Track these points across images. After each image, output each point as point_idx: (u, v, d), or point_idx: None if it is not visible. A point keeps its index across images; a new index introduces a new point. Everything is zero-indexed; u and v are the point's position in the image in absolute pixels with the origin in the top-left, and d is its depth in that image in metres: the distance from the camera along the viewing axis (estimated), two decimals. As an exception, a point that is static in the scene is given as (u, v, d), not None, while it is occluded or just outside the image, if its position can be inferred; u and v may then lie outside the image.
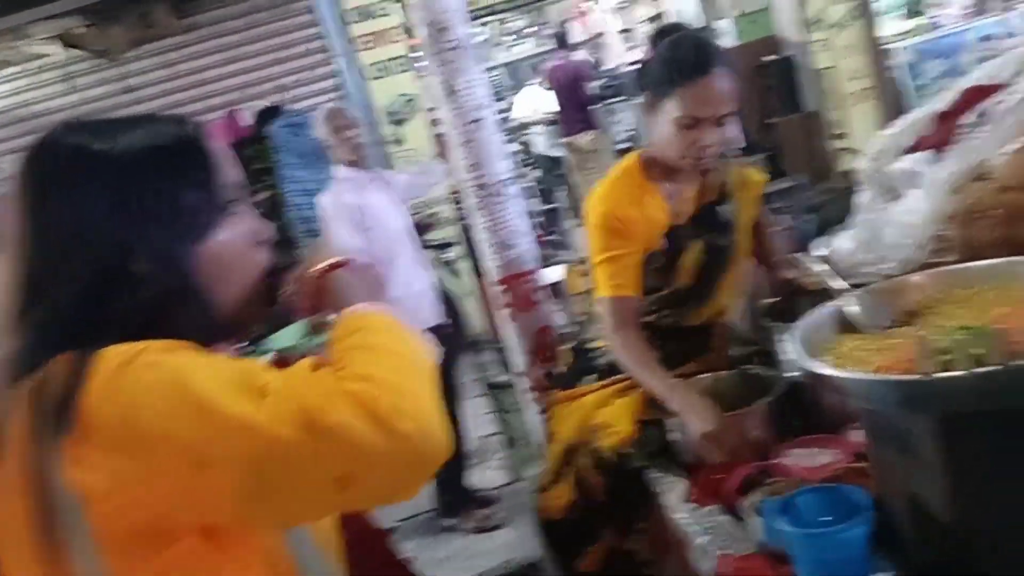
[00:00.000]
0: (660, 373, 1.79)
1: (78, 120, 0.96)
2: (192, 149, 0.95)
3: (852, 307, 1.33)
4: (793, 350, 1.57)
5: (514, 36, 10.91)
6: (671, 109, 1.77)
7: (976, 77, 1.73)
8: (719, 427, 1.60)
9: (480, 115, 2.40)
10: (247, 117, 4.96)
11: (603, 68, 9.27)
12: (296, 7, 5.45)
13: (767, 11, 6.57)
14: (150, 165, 0.92)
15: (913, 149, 1.70)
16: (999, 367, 0.94)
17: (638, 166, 1.91)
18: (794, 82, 6.30)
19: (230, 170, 0.99)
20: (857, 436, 1.53)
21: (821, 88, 6.16)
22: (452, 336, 3.83)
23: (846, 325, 1.34)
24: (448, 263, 5.16)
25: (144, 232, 0.90)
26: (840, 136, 6.05)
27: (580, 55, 8.76)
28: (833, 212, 2.39)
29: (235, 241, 0.96)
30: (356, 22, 5.45)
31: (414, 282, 3.41)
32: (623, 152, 7.49)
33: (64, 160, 0.91)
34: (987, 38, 5.68)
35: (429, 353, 0.93)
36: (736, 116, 1.82)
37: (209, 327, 0.94)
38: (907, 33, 6.38)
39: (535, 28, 10.58)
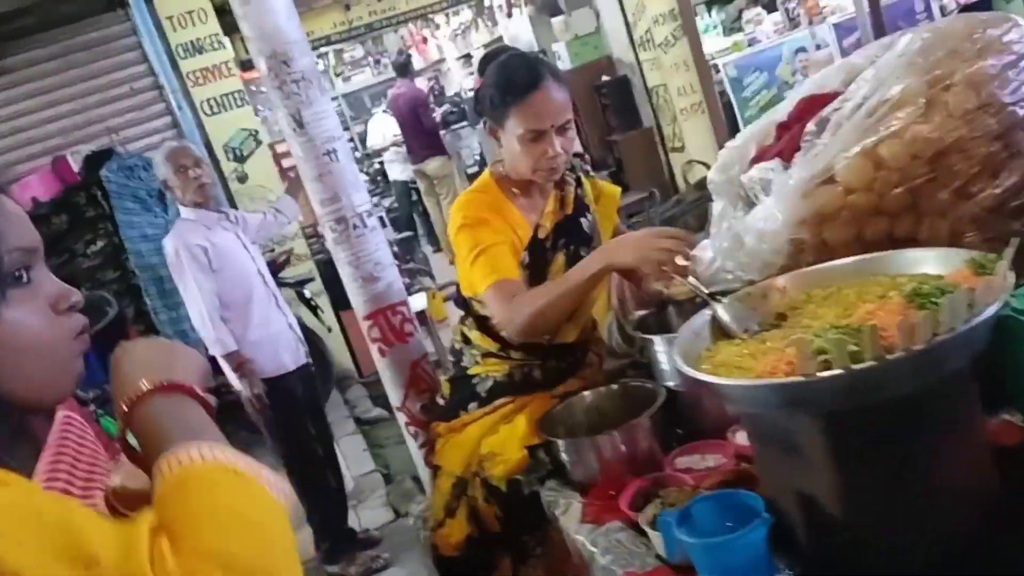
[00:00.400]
0: (559, 280, 1.78)
1: None
2: None
3: (723, 314, 1.37)
4: (674, 360, 1.62)
5: (350, 66, 10.79)
6: (512, 127, 1.82)
7: (808, 87, 1.84)
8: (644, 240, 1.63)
9: (333, 146, 2.34)
10: (74, 163, 4.65)
11: (446, 94, 9.34)
12: (119, 44, 5.16)
13: (599, 34, 6.84)
14: None
15: (757, 159, 1.78)
16: (876, 363, 0.98)
17: (493, 183, 1.94)
18: (630, 100, 6.57)
19: (15, 233, 0.82)
20: (738, 438, 1.58)
21: (655, 104, 6.46)
22: (317, 375, 3.71)
23: (720, 333, 1.38)
24: (306, 300, 5.01)
25: None
26: (677, 149, 6.35)
27: (420, 83, 8.78)
28: (687, 223, 2.48)
29: (26, 319, 0.80)
30: (186, 57, 5.22)
31: (271, 323, 3.29)
32: (473, 176, 7.58)
33: None
34: (801, 49, 6.13)
35: (278, 497, 0.77)
36: (574, 126, 1.87)
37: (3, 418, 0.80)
38: (728, 49, 6.79)
39: (374, 57, 10.54)
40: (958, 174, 1.36)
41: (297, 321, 3.53)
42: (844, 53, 5.85)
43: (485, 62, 1.96)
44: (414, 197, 8.43)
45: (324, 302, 5.38)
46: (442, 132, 8.14)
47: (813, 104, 1.70)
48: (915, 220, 1.41)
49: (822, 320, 1.27)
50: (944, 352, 1.00)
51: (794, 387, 1.04)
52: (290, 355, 3.33)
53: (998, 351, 1.08)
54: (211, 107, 5.31)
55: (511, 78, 1.83)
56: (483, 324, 1.98)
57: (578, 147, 1.88)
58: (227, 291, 3.13)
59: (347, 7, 7.61)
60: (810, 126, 1.51)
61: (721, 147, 5.92)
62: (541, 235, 1.91)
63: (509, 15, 8.40)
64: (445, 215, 7.93)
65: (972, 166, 1.36)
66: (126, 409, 0.83)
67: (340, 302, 5.60)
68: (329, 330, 5.34)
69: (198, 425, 0.82)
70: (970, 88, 1.34)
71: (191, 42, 5.21)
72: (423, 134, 7.65)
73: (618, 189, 2.14)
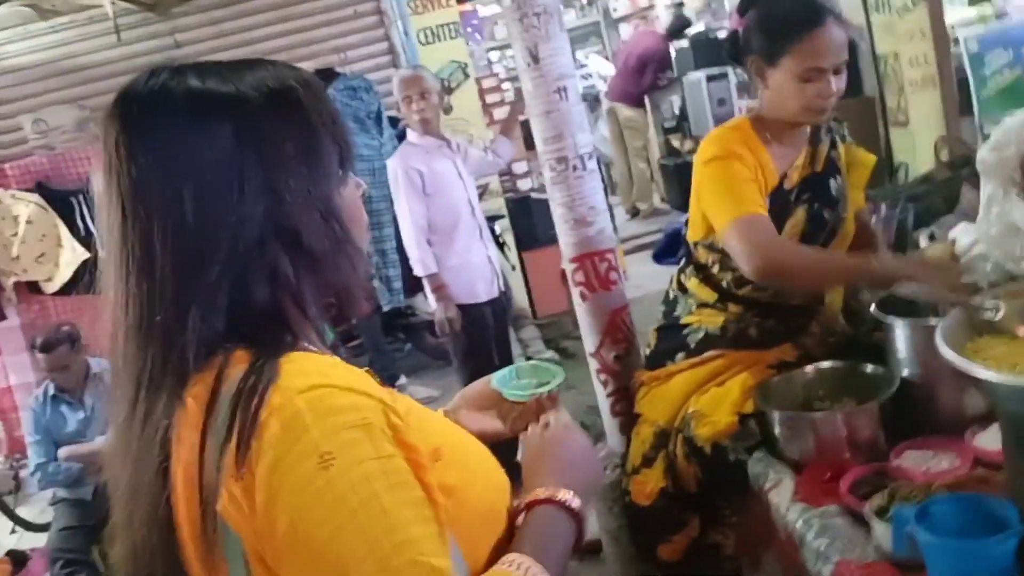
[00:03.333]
0: (846, 255, 1.75)
1: (174, 65, 0.85)
2: (315, 92, 0.88)
3: (998, 306, 1.26)
4: (914, 347, 1.51)
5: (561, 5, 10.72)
6: (790, 65, 1.74)
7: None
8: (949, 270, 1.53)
9: (564, 84, 2.32)
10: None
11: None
12: (349, -32, 5.36)
13: (828, -10, 6.41)
14: (286, 107, 0.84)
15: (1042, 140, 1.61)
16: None
17: (748, 125, 1.87)
18: (854, 65, 6.14)
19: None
20: (978, 440, 1.46)
21: (882, 73, 6.01)
22: (505, 309, 3.79)
23: (986, 327, 1.27)
24: (494, 236, 5.11)
25: (298, 178, 0.82)
26: (900, 123, 5.90)
27: (625, 29, 8.59)
28: (934, 203, 2.30)
29: (355, 190, 0.93)
30: (410, -14, 5.35)
31: (472, 252, 3.37)
32: (670, 130, 7.39)
33: (187, 107, 0.80)
34: (1057, 29, 5.51)
35: None
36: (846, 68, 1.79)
37: (353, 282, 0.89)
38: (971, 20, 6.19)
39: (580, 2, 10.42)
40: None
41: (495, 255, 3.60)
42: (1112, 36, 5.21)
43: (748, 3, 1.88)
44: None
45: (509, 240, 5.46)
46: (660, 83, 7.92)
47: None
48: None
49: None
50: None
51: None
52: (484, 286, 3.41)
53: None
54: (427, 37, 5.43)
55: (792, 14, 1.76)
56: (704, 272, 1.94)
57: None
58: (436, 216, 3.23)
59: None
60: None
61: (950, 127, 5.48)
62: (787, 186, 1.84)
63: (730, -34, 8.03)
64: (632, 165, 7.81)
65: None
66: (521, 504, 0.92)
67: (524, 241, 5.68)
68: (513, 268, 5.42)
69: (551, 545, 0.88)
70: None
71: (415, -28, 5.33)
72: (636, 84, 7.52)
73: (873, 158, 2.02)
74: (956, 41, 5.82)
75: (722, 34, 7.05)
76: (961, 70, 5.75)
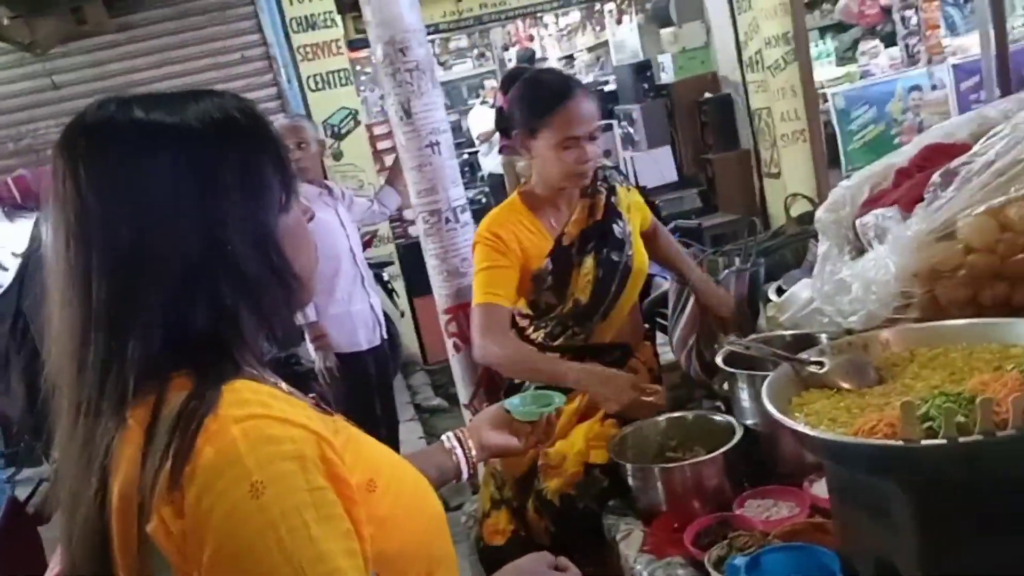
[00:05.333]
0: (545, 357, 1.92)
1: (118, 97, 0.86)
2: (259, 122, 0.90)
3: (822, 362, 1.32)
4: (758, 400, 1.58)
5: (454, 55, 10.90)
6: (547, 136, 1.90)
7: (934, 134, 1.77)
8: (625, 391, 1.73)
9: (437, 139, 2.35)
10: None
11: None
12: (238, 12, 5.31)
13: (707, 49, 6.73)
14: (228, 137, 0.86)
15: (871, 202, 1.72)
16: (985, 437, 0.93)
17: (519, 200, 2.03)
18: (731, 120, 6.45)
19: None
20: (815, 489, 1.53)
21: (756, 127, 6.32)
22: (389, 357, 3.76)
23: (813, 380, 1.34)
24: (383, 283, 5.08)
25: (238, 207, 0.84)
26: (773, 175, 6.21)
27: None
28: (784, 256, 2.42)
29: (300, 217, 0.93)
30: (299, 32, 5.34)
31: (354, 301, 3.35)
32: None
33: (131, 138, 0.82)
34: (915, 88, 5.92)
35: None
36: (601, 135, 2.00)
37: (292, 310, 0.92)
38: (839, 79, 6.60)
39: (479, 49, 10.62)
40: (1090, 247, 1.29)
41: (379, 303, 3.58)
42: (960, 96, 5.62)
43: (510, 80, 2.06)
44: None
45: (400, 286, 5.44)
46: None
47: (938, 153, 1.64)
48: (1037, 289, 1.34)
49: (926, 382, 1.22)
50: (1061, 437, 0.95)
51: (894, 451, 0.99)
52: (366, 334, 3.39)
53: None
54: (316, 83, 5.42)
55: (546, 90, 1.93)
56: (522, 336, 2.04)
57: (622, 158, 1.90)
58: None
59: (458, -1, 7.67)
60: (935, 177, 1.45)
61: (820, 179, 5.79)
62: (565, 242, 1.98)
63: (619, 21, 8.34)
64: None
65: (1107, 240, 1.28)
66: None
67: (415, 288, 5.67)
68: (402, 315, 5.40)
69: None
70: (1115, 158, 1.26)
71: (305, 17, 5.32)
72: None
73: (643, 197, 2.23)
74: (825, 98, 6.19)
75: (608, 87, 7.29)
76: (829, 125, 6.11)
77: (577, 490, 1.77)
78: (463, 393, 2.49)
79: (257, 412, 0.79)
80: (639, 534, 1.57)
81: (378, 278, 5.07)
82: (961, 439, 0.94)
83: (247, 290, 0.85)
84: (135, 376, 0.80)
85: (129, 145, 0.82)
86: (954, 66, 5.66)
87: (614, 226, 2.02)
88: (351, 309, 3.34)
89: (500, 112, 2.07)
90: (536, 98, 1.94)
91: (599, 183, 2.04)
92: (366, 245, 4.99)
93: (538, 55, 9.30)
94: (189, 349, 0.82)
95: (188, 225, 0.82)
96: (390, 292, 5.13)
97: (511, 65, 10.73)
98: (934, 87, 5.93)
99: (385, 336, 3.56)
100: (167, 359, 0.81)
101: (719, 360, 1.70)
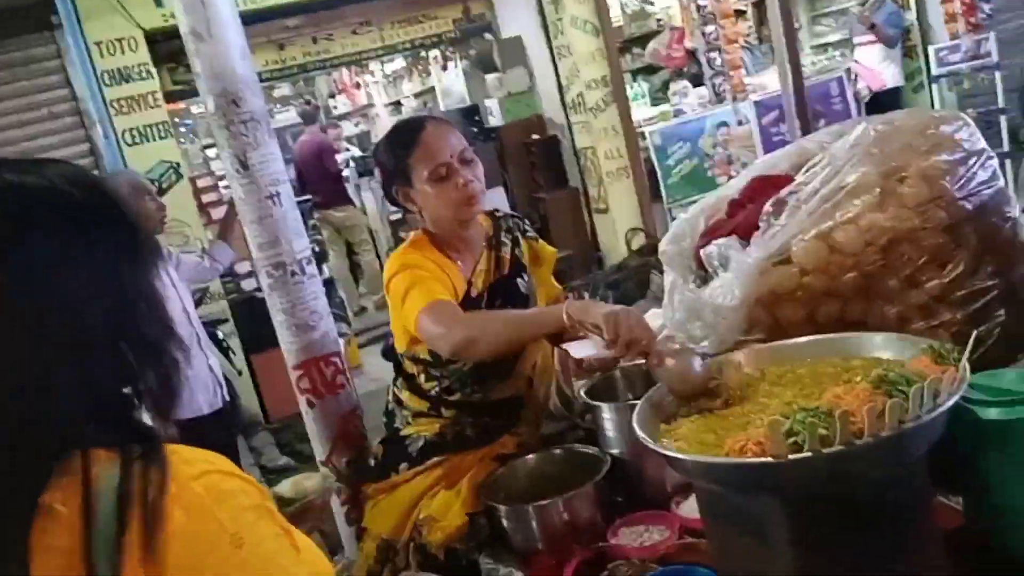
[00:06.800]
0: (522, 313, 1.81)
1: None
2: (111, 188, 0.89)
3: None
4: (621, 428, 1.62)
5: (278, 103, 10.69)
6: (419, 174, 1.84)
7: (760, 167, 1.90)
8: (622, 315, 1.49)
9: (276, 190, 2.28)
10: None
11: (371, 140, 9.31)
12: (44, 67, 4.97)
13: (532, 93, 6.96)
14: (99, 200, 0.85)
15: (710, 233, 1.82)
16: (847, 447, 0.99)
17: (425, 239, 1.93)
18: (558, 160, 6.68)
19: None
20: (682, 510, 1.58)
21: (582, 166, 6.59)
22: (231, 420, 3.58)
23: (678, 405, 1.39)
24: (218, 341, 4.84)
25: (120, 269, 0.84)
26: (601, 210, 6.47)
27: (347, 126, 8.71)
28: (629, 289, 2.51)
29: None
30: (112, 85, 5.06)
31: (192, 364, 3.15)
32: (396, 223, 7.51)
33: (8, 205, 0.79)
34: (723, 124, 6.37)
35: None
36: (479, 161, 1.91)
37: (182, 369, 0.90)
38: (654, 118, 7.01)
39: (304, 97, 10.47)
40: (908, 263, 1.42)
41: (217, 365, 3.40)
42: (763, 129, 6.09)
43: (377, 147, 2.04)
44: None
45: (235, 343, 5.21)
46: (362, 179, 8.04)
47: (765, 184, 1.76)
48: (866, 304, 1.46)
49: (779, 399, 1.29)
50: (911, 439, 1.03)
51: (766, 467, 1.04)
52: (206, 397, 3.20)
53: (948, 439, 1.12)
54: (133, 137, 5.15)
55: (400, 132, 1.93)
56: (412, 382, 1.96)
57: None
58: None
59: (281, 47, 7.55)
60: (767, 207, 1.56)
61: (644, 212, 6.13)
62: (474, 293, 1.90)
63: (444, 68, 8.48)
64: (363, 263, 7.78)
65: (921, 255, 1.42)
66: None
67: (252, 344, 5.45)
68: (240, 374, 5.16)
69: None
70: (923, 181, 1.40)
71: (119, 69, 5.05)
72: (328, 180, 7.50)
73: (553, 251, 2.14)
74: (643, 136, 6.55)
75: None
76: (649, 161, 6.46)
77: (461, 542, 1.73)
78: (319, 450, 2.39)
79: (207, 468, 0.80)
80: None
81: (212, 337, 4.83)
82: (825, 451, 1.00)
83: (149, 352, 0.85)
84: (49, 454, 0.77)
85: (9, 212, 0.80)
86: (756, 103, 6.14)
87: (519, 280, 1.97)
88: (189, 373, 3.15)
89: (382, 182, 2.01)
90: (395, 144, 1.90)
91: (503, 234, 1.97)
92: (197, 303, 4.76)
93: (364, 102, 9.28)
94: (101, 420, 0.80)
95: (83, 293, 0.81)
96: (226, 351, 4.89)
97: (336, 113, 10.65)
98: (740, 122, 6.41)
99: (227, 397, 3.38)
100: (80, 434, 0.79)
101: (582, 393, 1.72)
